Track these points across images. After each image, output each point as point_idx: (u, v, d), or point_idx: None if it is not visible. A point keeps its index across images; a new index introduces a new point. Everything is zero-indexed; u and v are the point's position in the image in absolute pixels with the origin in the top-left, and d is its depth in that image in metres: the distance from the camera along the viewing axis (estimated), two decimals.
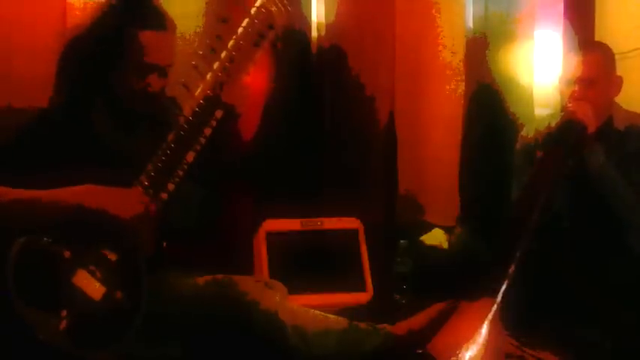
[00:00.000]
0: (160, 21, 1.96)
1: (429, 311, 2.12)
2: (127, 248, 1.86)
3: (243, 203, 3.02)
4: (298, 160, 3.24)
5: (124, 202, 1.85)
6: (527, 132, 2.71)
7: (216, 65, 1.93)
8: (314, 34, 3.35)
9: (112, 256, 1.84)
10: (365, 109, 3.33)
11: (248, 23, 1.93)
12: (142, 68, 1.93)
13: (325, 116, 3.33)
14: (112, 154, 1.96)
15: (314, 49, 3.35)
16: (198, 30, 2.85)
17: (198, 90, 1.94)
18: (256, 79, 3.05)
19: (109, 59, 1.94)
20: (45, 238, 1.78)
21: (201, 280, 2.08)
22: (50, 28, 2.62)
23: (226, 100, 1.94)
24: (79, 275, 1.79)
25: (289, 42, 3.21)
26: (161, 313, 1.96)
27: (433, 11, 3.37)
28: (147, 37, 1.92)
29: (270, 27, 1.94)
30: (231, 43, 1.93)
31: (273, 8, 1.93)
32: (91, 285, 1.80)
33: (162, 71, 1.96)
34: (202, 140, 1.92)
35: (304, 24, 3.30)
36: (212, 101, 1.93)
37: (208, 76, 1.93)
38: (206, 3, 2.90)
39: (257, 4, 1.94)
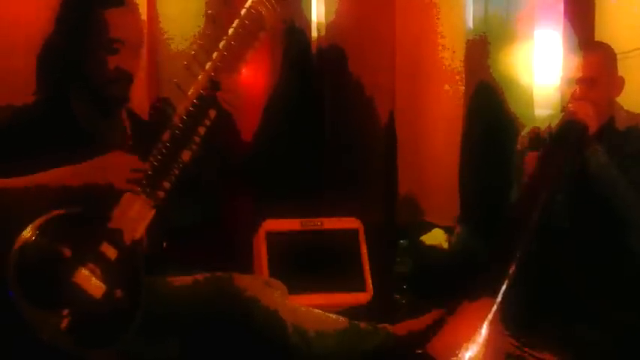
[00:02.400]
0: None
1: (431, 315, 2.12)
2: (126, 246, 1.86)
3: (243, 203, 3.03)
4: (298, 160, 3.24)
5: (109, 168, 1.86)
6: (528, 133, 2.71)
7: (208, 65, 1.96)
8: (314, 34, 3.35)
9: (112, 254, 1.84)
10: (365, 109, 3.33)
11: (238, 24, 1.97)
12: (109, 46, 1.96)
13: (325, 116, 3.33)
14: (92, 138, 1.98)
15: (314, 49, 3.35)
16: (197, 30, 2.85)
17: (192, 89, 1.95)
18: (256, 80, 3.06)
19: (77, 44, 1.97)
20: (45, 237, 1.78)
21: (201, 278, 2.08)
22: (50, 26, 2.62)
23: (220, 100, 1.96)
24: (80, 274, 1.79)
25: (289, 42, 3.21)
26: (161, 311, 1.96)
27: (433, 11, 3.37)
28: (109, 14, 1.96)
29: (261, 27, 1.97)
30: (222, 43, 1.96)
31: (263, 9, 1.96)
32: (91, 283, 1.80)
33: (132, 49, 1.99)
34: (197, 139, 1.94)
35: (304, 24, 3.31)
36: (205, 101, 1.95)
37: (200, 76, 1.95)
38: (205, 3, 2.91)
39: (246, 5, 1.97)
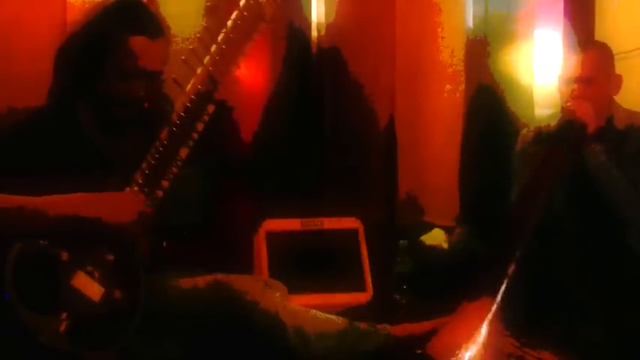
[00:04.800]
0: (153, 28, 1.92)
1: (436, 323, 2.12)
2: (123, 248, 1.86)
3: (243, 203, 3.03)
4: (298, 160, 3.25)
5: (119, 207, 1.84)
6: (527, 132, 2.71)
7: (206, 59, 1.91)
8: (314, 34, 3.36)
9: (110, 257, 1.84)
10: (365, 109, 3.34)
11: (237, 15, 1.92)
12: (126, 73, 1.87)
13: (325, 116, 3.34)
14: (98, 154, 1.93)
15: (314, 49, 3.36)
16: (198, 30, 2.85)
17: (190, 85, 1.92)
18: (257, 80, 3.07)
19: (97, 61, 1.89)
20: (42, 242, 1.77)
21: (201, 280, 2.08)
22: (50, 28, 2.62)
23: (218, 94, 1.93)
24: (78, 277, 1.78)
25: (289, 42, 3.21)
26: (161, 313, 1.96)
27: (433, 11, 3.38)
28: (137, 42, 1.87)
29: (260, 18, 1.93)
30: (221, 36, 1.92)
31: (262, 0, 1.93)
32: (89, 286, 1.79)
33: (149, 77, 1.91)
34: (195, 136, 1.91)
35: (304, 24, 3.31)
36: (204, 96, 1.91)
37: (199, 70, 1.92)
38: (206, 2, 2.90)
39: None
